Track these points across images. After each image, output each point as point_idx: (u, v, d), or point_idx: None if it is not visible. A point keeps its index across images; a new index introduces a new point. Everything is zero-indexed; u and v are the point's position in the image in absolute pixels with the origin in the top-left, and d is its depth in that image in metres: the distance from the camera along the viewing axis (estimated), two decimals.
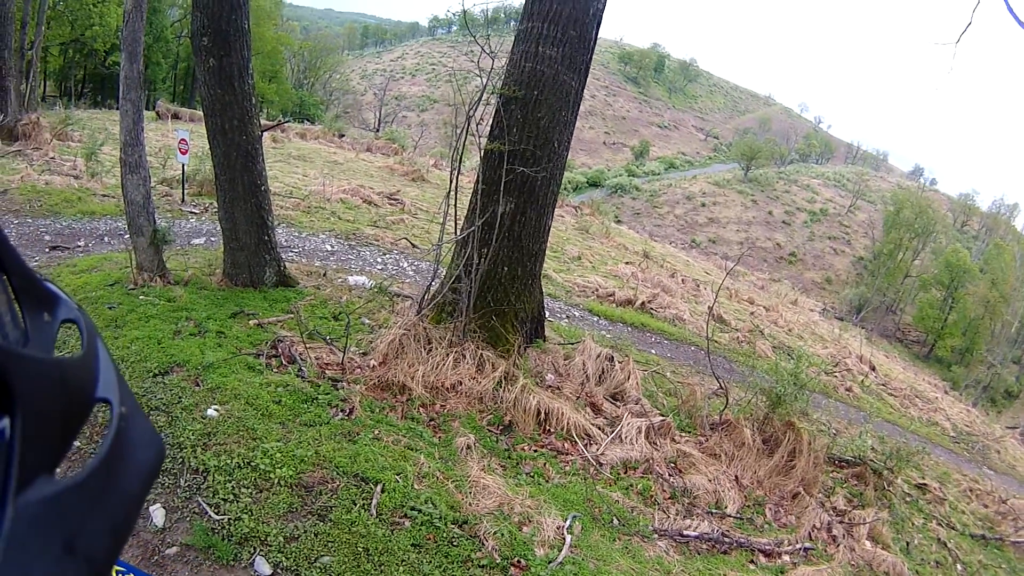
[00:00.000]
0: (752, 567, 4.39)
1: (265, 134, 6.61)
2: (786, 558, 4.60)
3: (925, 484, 7.35)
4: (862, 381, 12.15)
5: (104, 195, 10.15)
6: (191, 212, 9.84)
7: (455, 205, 5.70)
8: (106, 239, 8.39)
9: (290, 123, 26.22)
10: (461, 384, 5.14)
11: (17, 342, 0.40)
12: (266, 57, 39.40)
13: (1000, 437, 14.15)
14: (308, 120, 39.42)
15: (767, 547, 4.59)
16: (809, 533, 5.00)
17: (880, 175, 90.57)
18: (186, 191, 10.48)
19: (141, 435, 0.45)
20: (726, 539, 4.49)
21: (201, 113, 6.51)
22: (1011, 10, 7.40)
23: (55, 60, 36.24)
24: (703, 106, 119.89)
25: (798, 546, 4.75)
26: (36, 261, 7.25)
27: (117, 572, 1.02)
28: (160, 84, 39.91)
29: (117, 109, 7.25)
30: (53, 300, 0.46)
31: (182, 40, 40.29)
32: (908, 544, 5.82)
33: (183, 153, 9.69)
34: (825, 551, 4.91)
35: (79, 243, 8.10)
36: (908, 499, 6.81)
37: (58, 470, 0.38)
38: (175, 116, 21.91)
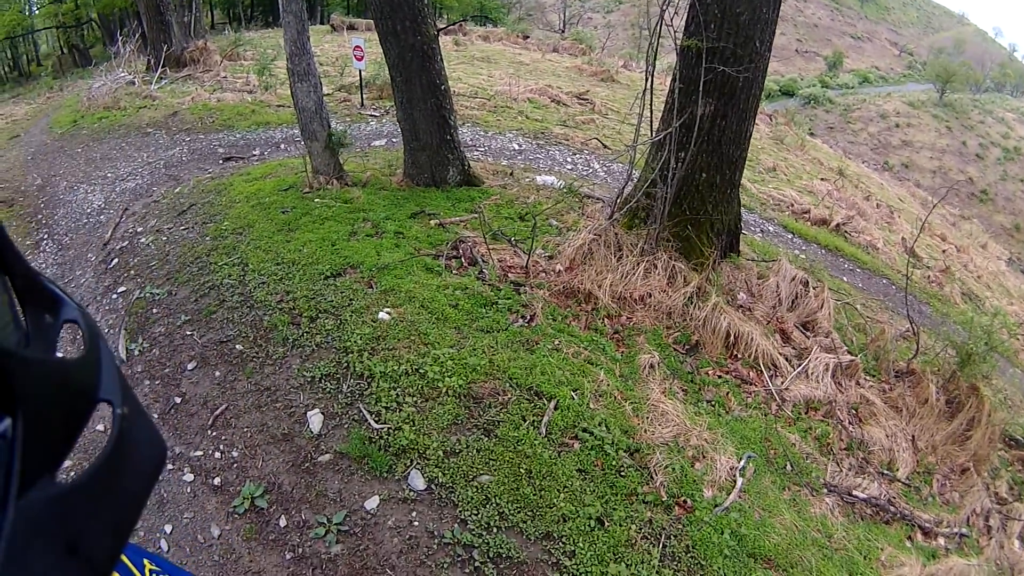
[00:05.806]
0: (908, 544, 3.76)
1: (446, 37, 6.35)
2: (941, 541, 3.92)
3: None
4: None
5: (279, 105, 10.42)
6: (371, 115, 10.00)
7: (651, 104, 5.13)
8: (282, 146, 8.58)
9: (468, 23, 25.83)
10: (650, 296, 4.78)
11: (19, 343, 0.40)
12: None
13: None
14: (490, 23, 38.73)
15: (927, 525, 3.95)
16: (968, 517, 4.21)
17: None
18: (365, 96, 10.71)
19: (143, 436, 0.45)
20: (891, 508, 3.93)
21: None
22: None
23: None
24: (896, 19, 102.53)
25: (955, 530, 4.02)
26: (209, 172, 7.44)
27: (152, 572, 0.98)
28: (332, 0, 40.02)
29: None
30: (55, 301, 0.45)
31: None
32: None
33: (359, 60, 9.82)
34: (978, 542, 4.09)
35: (254, 152, 8.33)
36: None
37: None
38: (351, 27, 22.51)
